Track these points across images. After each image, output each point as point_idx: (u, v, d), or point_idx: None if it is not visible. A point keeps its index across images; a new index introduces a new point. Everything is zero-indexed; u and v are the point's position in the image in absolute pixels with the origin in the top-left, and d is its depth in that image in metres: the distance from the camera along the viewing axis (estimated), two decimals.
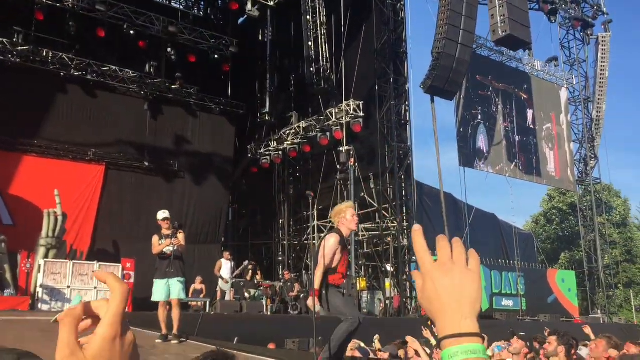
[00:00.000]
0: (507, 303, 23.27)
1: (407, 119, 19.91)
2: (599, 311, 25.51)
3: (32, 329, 8.21)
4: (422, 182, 22.79)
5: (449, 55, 17.66)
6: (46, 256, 14.84)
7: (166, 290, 8.29)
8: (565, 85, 28.02)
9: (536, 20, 29.94)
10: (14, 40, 17.32)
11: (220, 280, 16.20)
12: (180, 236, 8.57)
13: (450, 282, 0.93)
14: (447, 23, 17.41)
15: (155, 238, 8.61)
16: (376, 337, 8.53)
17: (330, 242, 5.58)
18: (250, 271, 16.87)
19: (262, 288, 17.03)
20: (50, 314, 11.17)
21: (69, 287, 14.46)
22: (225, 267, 16.36)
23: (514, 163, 24.63)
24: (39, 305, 13.43)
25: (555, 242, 42.97)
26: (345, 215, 5.78)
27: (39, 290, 13.66)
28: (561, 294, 25.45)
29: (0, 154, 16.87)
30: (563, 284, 25.81)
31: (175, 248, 8.47)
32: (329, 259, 5.54)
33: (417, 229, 0.98)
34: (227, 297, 16.08)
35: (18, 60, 17.49)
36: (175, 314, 8.32)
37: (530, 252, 29.38)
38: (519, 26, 19.23)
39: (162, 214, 8.76)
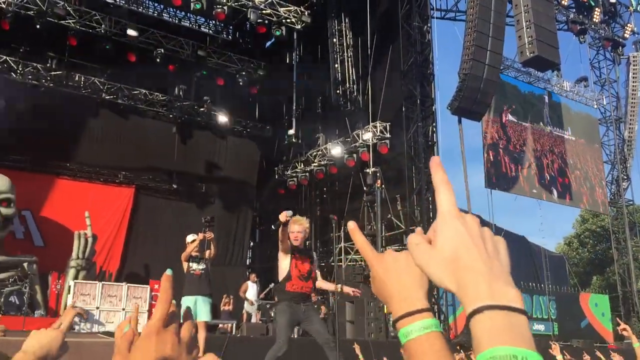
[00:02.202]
0: (539, 327, 22.74)
1: (434, 140, 19.79)
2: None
3: None
4: None
5: (476, 76, 17.57)
6: (76, 277, 15.02)
7: (194, 310, 8.30)
8: (596, 106, 27.63)
9: (565, 40, 29.71)
10: (48, 65, 17.78)
11: (245, 302, 16.16)
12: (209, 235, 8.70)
13: (393, 264, 0.97)
14: (474, 44, 17.36)
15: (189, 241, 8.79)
16: None
17: (280, 253, 6.17)
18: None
19: None
20: (79, 335, 11.26)
21: (97, 308, 14.59)
22: (251, 289, 16.34)
23: (543, 185, 24.25)
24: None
25: (588, 265, 42.01)
26: (290, 230, 6.15)
27: None
28: (594, 319, 24.78)
29: (33, 176, 17.21)
30: (596, 308, 25.14)
31: (205, 264, 8.55)
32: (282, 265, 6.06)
33: (352, 227, 1.02)
34: (253, 320, 16.04)
35: (51, 84, 17.94)
36: (201, 336, 8.29)
37: (562, 275, 28.74)
38: (547, 47, 19.05)
39: (191, 237, 8.84)
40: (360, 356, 8.84)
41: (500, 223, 23.95)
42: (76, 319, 13.68)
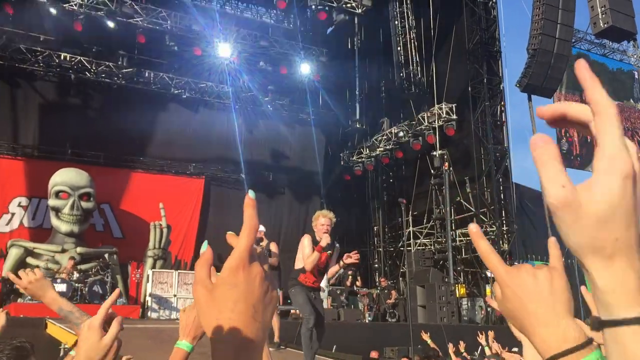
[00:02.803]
0: None
1: (503, 119, 19.26)
2: None
3: (142, 336, 8.64)
4: (521, 184, 21.92)
5: (546, 51, 16.94)
6: (154, 266, 15.61)
7: None
8: None
9: None
10: (119, 63, 18.45)
11: None
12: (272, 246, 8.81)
13: (533, 282, 0.81)
14: (543, 18, 16.72)
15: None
16: (491, 333, 8.13)
17: (305, 242, 6.05)
18: (350, 277, 16.66)
19: (358, 295, 16.99)
20: (159, 322, 11.72)
21: (175, 295, 15.13)
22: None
23: None
24: (149, 313, 14.13)
25: None
26: (317, 223, 6.15)
27: (148, 299, 14.37)
28: None
29: (109, 170, 17.95)
30: None
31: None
32: (307, 253, 5.96)
33: (475, 230, 0.83)
34: (324, 305, 16.18)
35: (123, 82, 18.61)
36: (275, 322, 8.48)
37: None
38: (622, 16, 18.13)
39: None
40: (429, 341, 8.74)
41: None
42: (155, 306, 14.25)
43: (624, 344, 0.61)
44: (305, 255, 5.95)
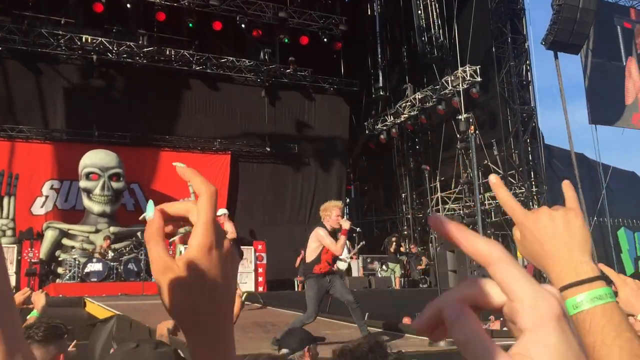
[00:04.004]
0: None
1: (529, 79, 18.88)
2: None
3: None
4: (550, 145, 21.55)
5: (571, 6, 16.47)
6: (185, 243, 15.81)
7: None
8: None
9: None
10: (140, 42, 18.50)
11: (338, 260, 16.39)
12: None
13: (550, 224, 0.86)
14: None
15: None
16: None
17: (321, 233, 6.14)
18: (394, 243, 16.35)
19: (407, 256, 16.73)
20: None
21: None
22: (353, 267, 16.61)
23: None
24: None
25: None
26: (331, 214, 6.22)
27: None
28: None
29: (136, 150, 18.16)
30: None
31: None
32: (327, 246, 6.10)
33: (495, 181, 0.89)
34: (356, 274, 16.30)
35: (145, 61, 18.68)
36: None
37: None
38: None
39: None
40: None
41: (607, 160, 22.61)
42: None
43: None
44: (329, 244, 6.09)
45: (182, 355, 1.57)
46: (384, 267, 16.37)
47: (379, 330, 7.27)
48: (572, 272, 0.83)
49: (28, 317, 3.00)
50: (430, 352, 4.72)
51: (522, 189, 18.16)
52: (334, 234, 6.18)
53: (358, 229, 8.78)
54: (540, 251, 0.86)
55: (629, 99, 22.15)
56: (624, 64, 22.51)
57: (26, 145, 17.15)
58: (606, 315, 0.80)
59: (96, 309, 8.35)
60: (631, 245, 21.16)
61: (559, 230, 0.86)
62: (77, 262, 14.05)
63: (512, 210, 0.89)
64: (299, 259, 15.55)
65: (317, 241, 6.17)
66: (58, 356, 2.29)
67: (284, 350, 3.41)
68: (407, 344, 5.89)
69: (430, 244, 19.99)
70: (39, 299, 3.06)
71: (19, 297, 3.17)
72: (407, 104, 21.15)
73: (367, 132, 23.16)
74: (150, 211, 0.68)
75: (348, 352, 1.26)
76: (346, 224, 6.12)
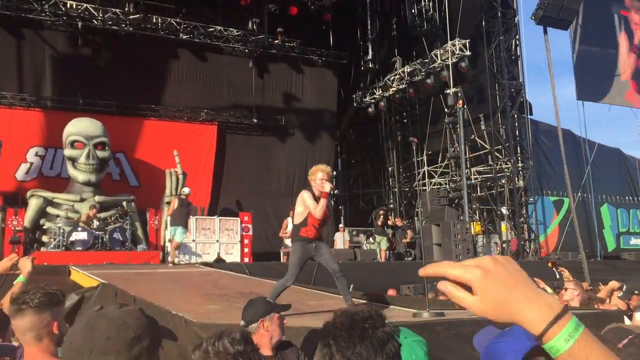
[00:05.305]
0: (636, 242, 21.94)
1: (518, 54, 18.87)
2: None
3: (164, 280, 8.85)
4: (537, 120, 21.65)
5: None
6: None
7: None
8: None
9: None
10: (126, 9, 18.16)
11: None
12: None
13: (505, 269, 0.87)
14: None
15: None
16: None
17: (305, 196, 6.12)
18: (382, 217, 16.33)
19: (394, 229, 16.87)
20: (179, 266, 11.97)
21: (193, 240, 15.42)
22: (339, 240, 16.72)
23: None
24: (169, 258, 14.42)
25: None
26: (315, 178, 6.15)
27: (167, 244, 14.64)
28: None
29: (122, 119, 17.97)
30: None
31: None
32: (308, 209, 6.08)
33: (422, 274, 0.92)
34: (342, 246, 16.41)
35: (131, 28, 18.35)
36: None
37: None
38: None
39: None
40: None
41: (593, 137, 22.77)
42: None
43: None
44: (309, 206, 6.08)
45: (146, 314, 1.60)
46: (370, 239, 16.46)
47: (364, 301, 7.34)
48: (546, 309, 0.84)
49: (15, 282, 3.01)
50: (414, 323, 4.78)
51: (507, 164, 18.27)
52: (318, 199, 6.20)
53: (336, 190, 8.91)
54: (509, 299, 0.85)
55: (622, 75, 22.22)
56: (617, 40, 22.53)
57: (9, 111, 16.89)
58: (585, 348, 0.82)
59: (81, 277, 8.34)
60: (614, 221, 21.47)
61: (513, 272, 0.87)
62: (61, 230, 13.99)
63: (470, 276, 0.87)
64: (283, 225, 15.59)
65: (302, 204, 6.18)
66: (52, 323, 2.28)
67: (241, 322, 3.45)
68: (391, 315, 5.95)
69: (416, 218, 20.13)
70: (26, 265, 3.08)
71: (6, 262, 3.19)
72: (396, 77, 21.07)
73: (355, 105, 23.09)
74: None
75: (348, 314, 1.32)
76: (327, 187, 6.11)
